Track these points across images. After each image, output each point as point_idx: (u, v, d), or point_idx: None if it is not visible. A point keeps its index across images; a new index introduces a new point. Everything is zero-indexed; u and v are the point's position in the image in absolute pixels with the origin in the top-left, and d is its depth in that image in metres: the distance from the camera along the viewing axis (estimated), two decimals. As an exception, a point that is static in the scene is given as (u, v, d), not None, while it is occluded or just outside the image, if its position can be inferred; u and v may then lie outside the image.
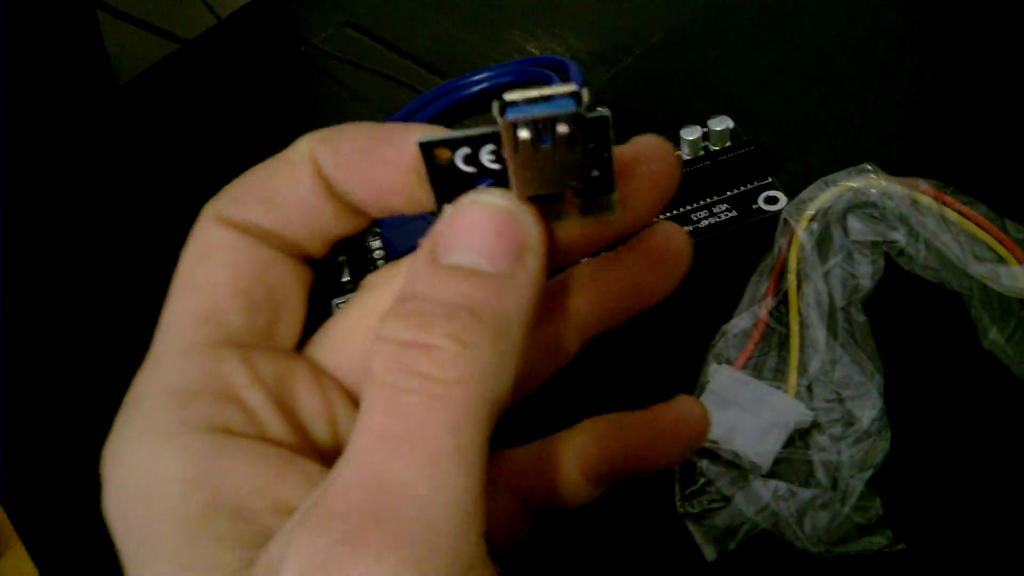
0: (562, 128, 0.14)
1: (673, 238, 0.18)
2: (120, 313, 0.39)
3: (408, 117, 0.43)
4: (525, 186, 0.15)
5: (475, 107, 0.44)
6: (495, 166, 0.15)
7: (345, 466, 0.13)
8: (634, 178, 0.16)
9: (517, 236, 0.15)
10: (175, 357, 0.16)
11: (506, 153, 0.15)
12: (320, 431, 0.17)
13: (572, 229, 0.17)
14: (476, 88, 0.44)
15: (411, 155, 0.16)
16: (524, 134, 0.14)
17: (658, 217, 0.18)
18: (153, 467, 0.15)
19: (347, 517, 0.13)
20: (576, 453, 0.18)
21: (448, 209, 0.15)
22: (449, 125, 0.15)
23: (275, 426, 0.16)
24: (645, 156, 0.16)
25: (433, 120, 0.43)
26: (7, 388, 0.37)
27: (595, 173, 0.15)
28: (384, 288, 0.18)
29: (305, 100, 0.48)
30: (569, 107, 0.14)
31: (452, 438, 0.13)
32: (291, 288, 0.17)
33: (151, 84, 0.50)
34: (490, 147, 0.15)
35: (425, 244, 0.15)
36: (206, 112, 0.48)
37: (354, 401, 0.17)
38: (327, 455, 0.17)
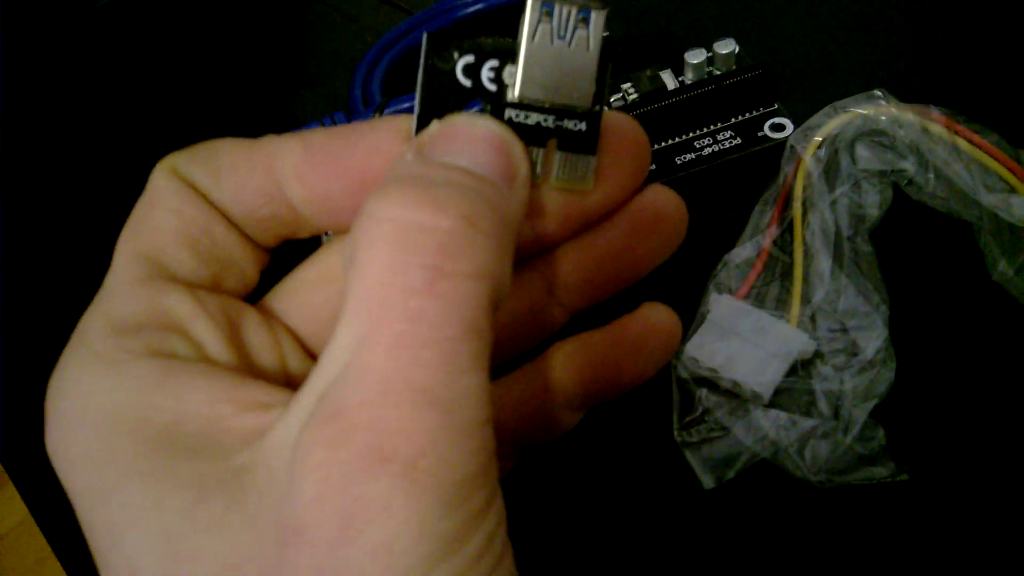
0: (582, 32, 0.15)
1: (665, 203, 0.17)
2: (99, 235, 0.38)
3: (399, 39, 0.41)
4: (530, 84, 0.15)
5: (471, 29, 0.42)
6: (492, 87, 0.15)
7: (361, 374, 0.13)
8: (605, 153, 0.16)
9: (512, 159, 0.15)
10: (120, 291, 0.16)
11: (522, 38, 0.15)
12: (269, 364, 0.16)
13: (545, 195, 0.16)
14: (471, 9, 0.42)
15: (392, 145, 0.16)
16: (545, 24, 0.15)
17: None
18: (101, 395, 0.14)
19: (370, 428, 0.12)
20: (548, 381, 0.18)
21: (436, 124, 0.15)
22: (442, 46, 0.15)
23: (222, 356, 0.15)
24: (616, 131, 0.16)
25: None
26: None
27: (596, 108, 0.15)
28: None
29: (292, 22, 0.46)
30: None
31: (469, 343, 0.13)
32: (241, 251, 0.17)
33: (131, 4, 0.48)
34: (493, 63, 0.15)
35: (409, 148, 0.15)
36: (190, 34, 0.46)
37: (308, 352, 0.17)
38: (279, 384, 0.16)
